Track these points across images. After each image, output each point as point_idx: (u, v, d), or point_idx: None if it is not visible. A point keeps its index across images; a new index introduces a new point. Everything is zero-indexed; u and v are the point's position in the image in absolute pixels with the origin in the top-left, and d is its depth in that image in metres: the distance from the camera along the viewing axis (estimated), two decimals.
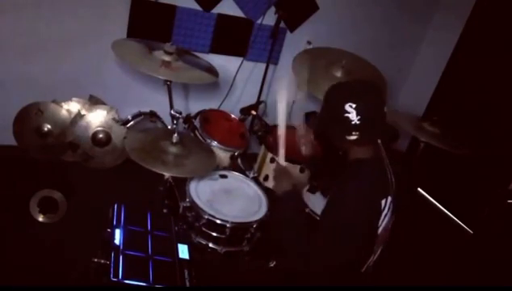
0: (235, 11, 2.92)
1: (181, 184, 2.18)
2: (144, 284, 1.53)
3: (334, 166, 1.86)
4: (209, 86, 3.05)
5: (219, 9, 2.87)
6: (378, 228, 1.49)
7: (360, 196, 1.43)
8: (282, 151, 1.97)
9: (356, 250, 1.47)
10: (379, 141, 1.51)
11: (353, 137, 1.47)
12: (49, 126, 2.54)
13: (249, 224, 2.05)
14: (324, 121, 1.57)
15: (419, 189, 3.08)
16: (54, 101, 2.55)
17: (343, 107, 1.45)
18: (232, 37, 3.01)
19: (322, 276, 1.50)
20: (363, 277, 1.57)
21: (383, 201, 1.47)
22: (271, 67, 3.11)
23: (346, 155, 1.57)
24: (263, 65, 2.97)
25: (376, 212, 1.47)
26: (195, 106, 2.94)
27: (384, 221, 1.50)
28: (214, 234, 2.03)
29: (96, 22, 2.61)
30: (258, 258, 2.10)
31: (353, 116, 1.44)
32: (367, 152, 1.51)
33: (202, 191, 2.14)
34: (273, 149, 2.42)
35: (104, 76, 2.79)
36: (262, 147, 2.51)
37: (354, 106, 1.44)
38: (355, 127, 1.45)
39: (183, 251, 1.73)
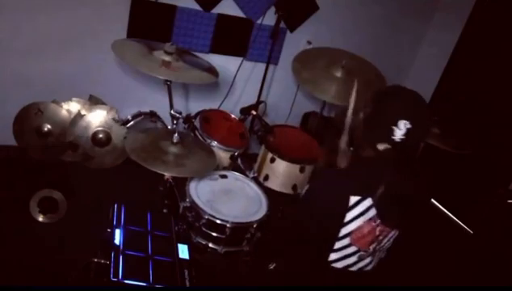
0: (235, 11, 2.92)
1: (181, 184, 2.18)
2: (144, 284, 1.53)
3: None
4: (209, 86, 3.05)
5: (219, 9, 2.87)
6: (344, 221, 1.45)
7: (328, 181, 1.46)
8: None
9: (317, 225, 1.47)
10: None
11: (380, 148, 1.41)
12: (49, 126, 2.54)
13: (249, 224, 2.05)
14: (365, 119, 1.45)
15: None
16: (54, 101, 2.55)
17: (397, 119, 1.35)
18: (232, 37, 3.01)
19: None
20: (327, 270, 1.54)
21: (352, 198, 1.42)
22: (271, 67, 3.11)
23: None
24: (263, 65, 2.97)
25: (341, 204, 1.43)
26: (195, 106, 2.94)
27: (355, 221, 1.45)
28: (214, 234, 2.03)
29: (96, 22, 2.61)
30: (257, 258, 2.10)
31: (398, 134, 1.36)
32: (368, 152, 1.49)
33: (202, 192, 2.14)
34: (273, 149, 2.42)
35: (104, 76, 2.79)
36: (262, 147, 2.51)
37: (409, 127, 1.35)
38: (391, 142, 1.38)
39: (183, 251, 1.73)
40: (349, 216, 1.44)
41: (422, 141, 1.46)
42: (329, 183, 1.46)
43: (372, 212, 1.45)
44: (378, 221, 1.46)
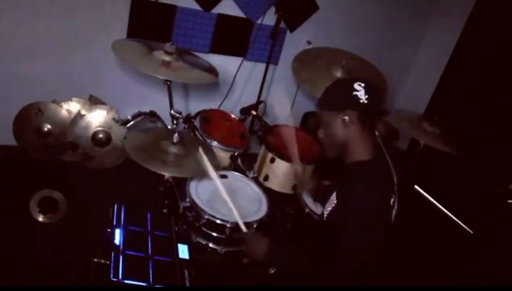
0: (235, 11, 2.92)
1: (181, 184, 2.18)
2: (144, 284, 1.53)
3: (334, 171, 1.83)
4: (209, 86, 3.05)
5: (219, 9, 2.87)
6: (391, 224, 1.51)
7: (371, 194, 1.40)
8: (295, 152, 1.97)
9: (377, 248, 1.46)
10: (380, 142, 1.51)
11: (356, 113, 1.49)
12: (49, 126, 2.54)
13: (250, 224, 2.04)
14: (329, 101, 1.56)
15: (416, 186, 3.07)
16: (54, 101, 2.55)
17: (352, 85, 1.48)
18: (232, 37, 3.01)
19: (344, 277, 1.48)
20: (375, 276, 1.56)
21: (391, 199, 1.49)
22: (271, 67, 3.11)
23: (344, 158, 1.56)
24: (263, 65, 2.97)
25: (388, 210, 1.48)
26: (195, 106, 2.94)
27: (393, 217, 1.51)
28: (214, 234, 2.03)
29: (96, 22, 2.61)
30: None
31: (361, 95, 1.47)
32: (366, 153, 1.51)
33: (202, 192, 2.14)
34: (273, 149, 2.42)
35: (104, 76, 2.79)
36: (262, 147, 2.51)
37: (362, 85, 1.48)
38: (363, 106, 1.48)
39: (183, 251, 1.73)
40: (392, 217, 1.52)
41: (383, 98, 1.54)
42: (371, 193, 1.42)
43: (396, 206, 1.52)
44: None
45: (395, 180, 1.51)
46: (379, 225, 1.42)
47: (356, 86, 1.48)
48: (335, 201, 1.53)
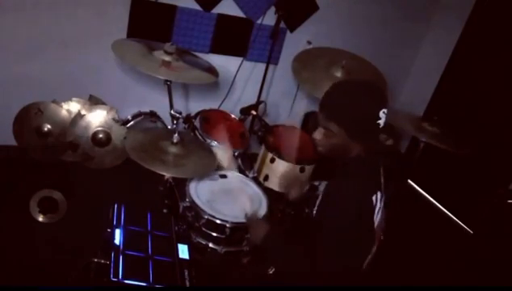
0: (235, 11, 2.92)
1: (181, 184, 2.18)
2: (144, 284, 1.53)
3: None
4: (209, 86, 3.05)
5: (219, 9, 2.87)
6: (374, 224, 1.49)
7: (351, 195, 1.41)
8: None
9: (357, 248, 1.47)
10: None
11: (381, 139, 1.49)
12: (49, 126, 2.54)
13: None
14: (346, 121, 1.46)
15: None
16: (54, 101, 2.55)
17: (378, 114, 1.42)
18: (232, 37, 3.01)
19: (325, 276, 1.49)
20: (362, 275, 1.57)
21: (373, 197, 1.46)
22: (271, 67, 3.11)
23: (339, 158, 1.56)
24: (263, 65, 2.97)
25: (369, 209, 1.46)
26: (195, 106, 2.94)
27: (377, 217, 1.50)
28: (214, 234, 2.03)
29: (96, 22, 2.61)
30: (257, 260, 2.10)
31: (382, 122, 1.44)
32: (361, 152, 1.51)
33: (202, 192, 2.14)
34: (273, 149, 2.42)
35: (104, 76, 2.79)
36: (262, 147, 2.51)
37: (386, 112, 1.43)
38: (380, 131, 1.46)
39: (183, 251, 1.73)
40: (375, 215, 1.49)
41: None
42: (354, 189, 1.43)
43: (381, 204, 1.50)
44: (383, 211, 1.52)
45: (381, 175, 1.52)
46: (357, 225, 1.42)
47: (381, 114, 1.42)
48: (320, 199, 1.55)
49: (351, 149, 1.51)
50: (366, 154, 1.51)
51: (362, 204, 1.44)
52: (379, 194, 1.48)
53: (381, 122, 1.43)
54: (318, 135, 1.52)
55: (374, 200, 1.46)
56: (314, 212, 1.57)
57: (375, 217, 1.48)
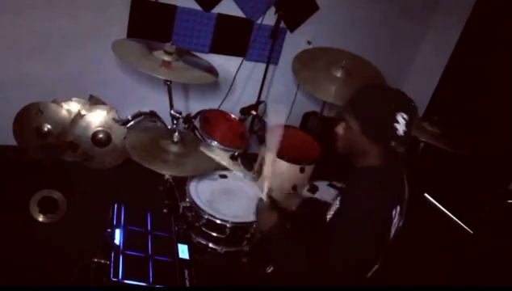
0: (235, 11, 2.92)
1: (181, 184, 2.17)
2: (144, 284, 1.53)
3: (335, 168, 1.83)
4: (209, 86, 3.05)
5: (219, 9, 2.87)
6: (389, 237, 1.49)
7: (370, 198, 1.39)
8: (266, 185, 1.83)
9: (369, 251, 1.45)
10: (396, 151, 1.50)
11: (392, 145, 1.45)
12: (49, 126, 2.54)
13: (249, 224, 2.04)
14: (364, 116, 1.47)
15: (426, 195, 3.09)
16: (54, 101, 2.55)
17: (395, 116, 1.41)
18: (232, 37, 3.01)
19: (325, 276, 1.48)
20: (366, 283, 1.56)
21: (393, 211, 1.45)
22: (271, 67, 3.11)
23: (354, 160, 1.54)
24: (263, 65, 2.97)
25: (387, 224, 1.45)
26: (195, 106, 2.94)
27: (392, 231, 1.49)
28: (214, 234, 2.03)
29: (96, 22, 2.61)
30: (257, 259, 2.10)
31: (400, 128, 1.41)
32: (377, 160, 1.49)
33: (202, 191, 2.14)
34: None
35: (104, 76, 2.79)
36: (262, 147, 2.51)
37: (406, 118, 1.41)
38: (397, 138, 1.43)
39: (183, 251, 1.73)
40: (391, 230, 1.49)
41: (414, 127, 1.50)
42: (376, 202, 1.40)
43: (399, 218, 1.49)
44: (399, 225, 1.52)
45: (404, 189, 1.50)
46: (373, 229, 1.40)
47: (399, 117, 1.41)
48: (338, 205, 1.52)
49: (367, 149, 1.48)
50: (386, 163, 1.48)
51: (381, 220, 1.43)
52: (398, 208, 1.46)
53: (399, 127, 1.41)
54: (340, 129, 1.54)
55: (393, 214, 1.45)
56: (328, 217, 1.56)
57: (391, 231, 1.48)
